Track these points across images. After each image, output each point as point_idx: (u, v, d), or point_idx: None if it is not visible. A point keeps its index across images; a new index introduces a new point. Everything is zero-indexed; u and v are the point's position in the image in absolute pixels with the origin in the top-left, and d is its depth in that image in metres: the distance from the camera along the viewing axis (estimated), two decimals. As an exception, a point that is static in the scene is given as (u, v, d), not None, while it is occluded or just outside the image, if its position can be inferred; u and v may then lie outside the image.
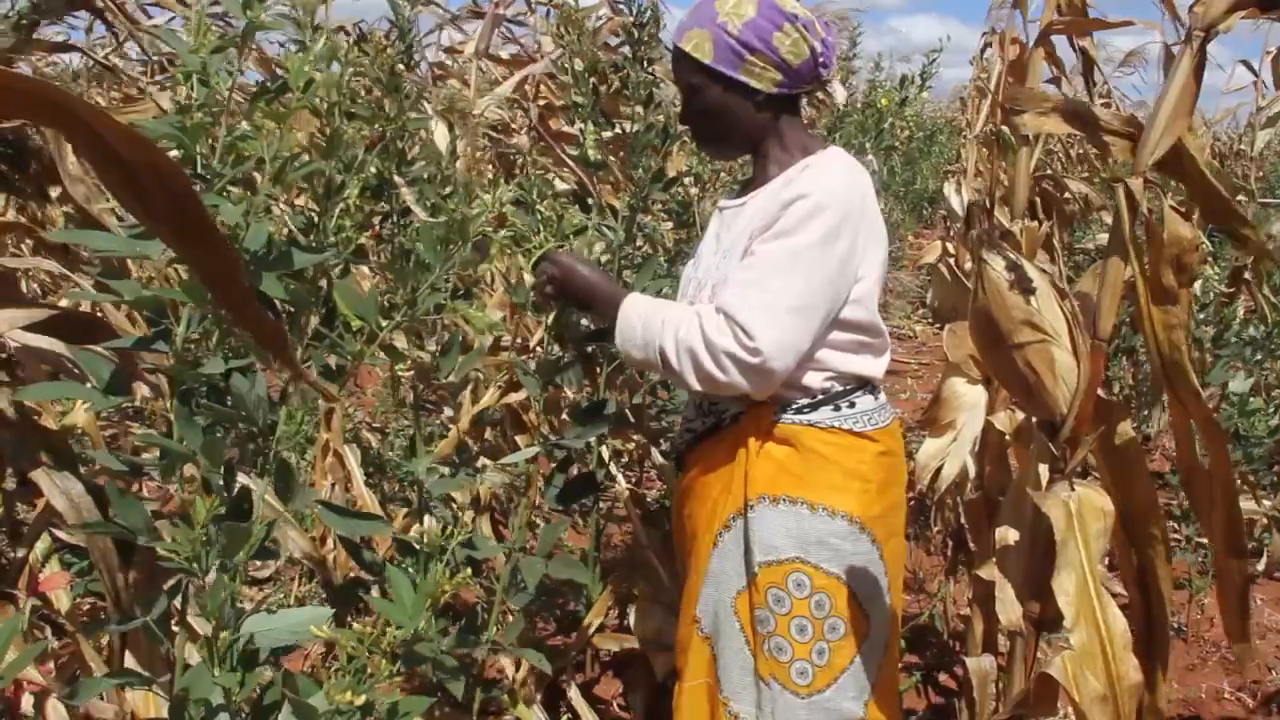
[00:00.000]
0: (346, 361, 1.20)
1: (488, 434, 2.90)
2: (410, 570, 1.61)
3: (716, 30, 1.91)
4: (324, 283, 1.23)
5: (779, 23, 1.91)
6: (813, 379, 1.96)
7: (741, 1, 1.92)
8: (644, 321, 1.95)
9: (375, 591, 2.52)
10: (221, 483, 1.02)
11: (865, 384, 2.01)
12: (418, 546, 1.56)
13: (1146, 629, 1.65)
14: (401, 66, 1.63)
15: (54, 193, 1.99)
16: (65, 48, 2.26)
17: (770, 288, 1.84)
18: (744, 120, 1.97)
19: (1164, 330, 1.48)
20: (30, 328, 1.45)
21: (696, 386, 1.89)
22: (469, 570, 1.22)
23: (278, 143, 1.02)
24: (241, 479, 1.10)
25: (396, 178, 1.69)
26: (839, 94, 5.41)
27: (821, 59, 1.96)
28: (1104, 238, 5.09)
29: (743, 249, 1.93)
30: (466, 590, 2.84)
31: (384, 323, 1.21)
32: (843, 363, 1.96)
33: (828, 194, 1.87)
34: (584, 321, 2.10)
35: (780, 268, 1.85)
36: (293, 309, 1.13)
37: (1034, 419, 1.74)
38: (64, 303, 2.90)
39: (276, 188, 1.08)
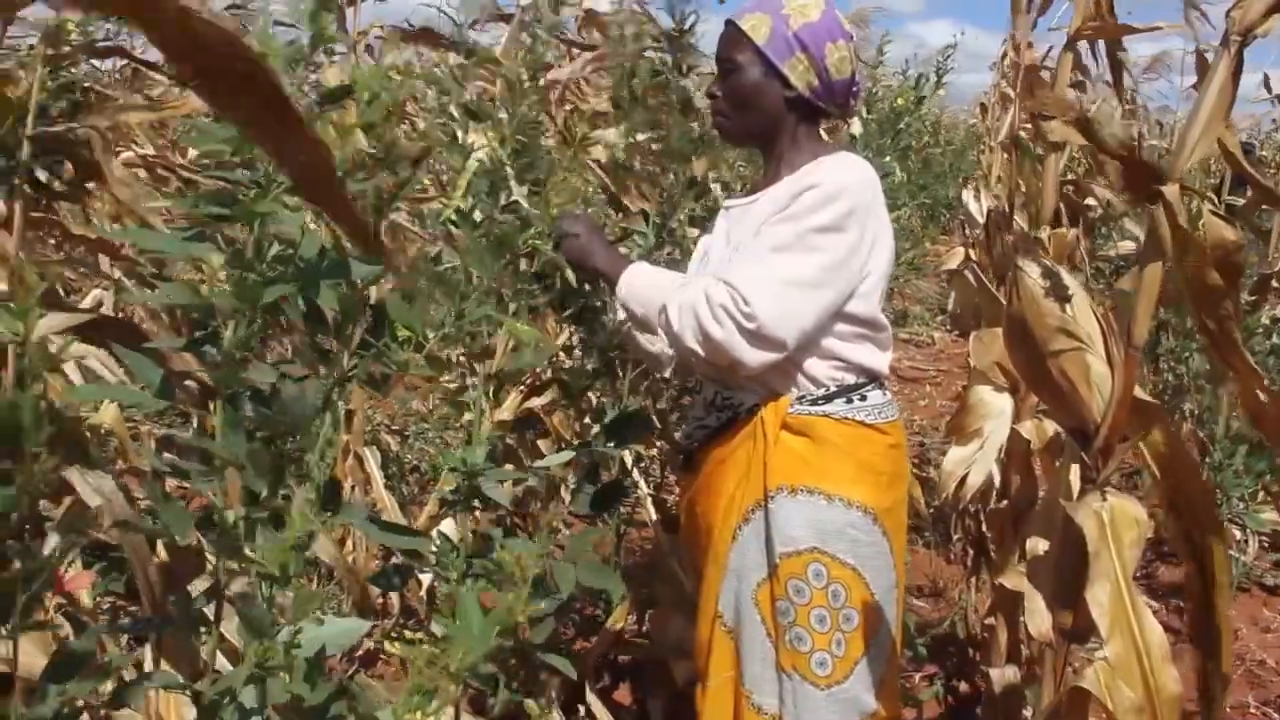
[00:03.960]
0: (392, 370, 1.20)
1: (509, 438, 2.90)
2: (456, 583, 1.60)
3: (778, 19, 1.99)
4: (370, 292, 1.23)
5: (835, 36, 2.00)
6: (821, 368, 1.99)
7: (808, 5, 2.00)
8: (651, 281, 2.00)
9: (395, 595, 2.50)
10: (266, 491, 1.01)
11: (874, 378, 2.05)
12: (493, 570, 1.54)
13: (1204, 614, 1.63)
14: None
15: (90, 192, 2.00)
16: (109, 52, 2.28)
17: (772, 261, 1.89)
18: (769, 110, 2.03)
19: (1215, 322, 1.46)
20: (63, 330, 1.45)
21: (694, 346, 1.90)
22: (541, 604, 1.21)
23: (338, 153, 1.02)
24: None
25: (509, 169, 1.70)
26: (855, 127, 5.50)
27: (855, 87, 2.06)
28: (1127, 245, 5.06)
29: (754, 235, 1.98)
30: (486, 594, 2.83)
31: (430, 334, 1.21)
32: (849, 352, 2.00)
33: (839, 185, 1.92)
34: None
35: (783, 245, 1.90)
36: (340, 318, 1.13)
37: (1064, 427, 1.72)
38: (86, 303, 2.91)
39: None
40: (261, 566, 0.97)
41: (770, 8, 2.01)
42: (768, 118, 2.04)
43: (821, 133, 2.14)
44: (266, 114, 0.57)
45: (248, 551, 0.98)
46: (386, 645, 0.99)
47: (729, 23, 2.06)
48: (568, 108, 3.00)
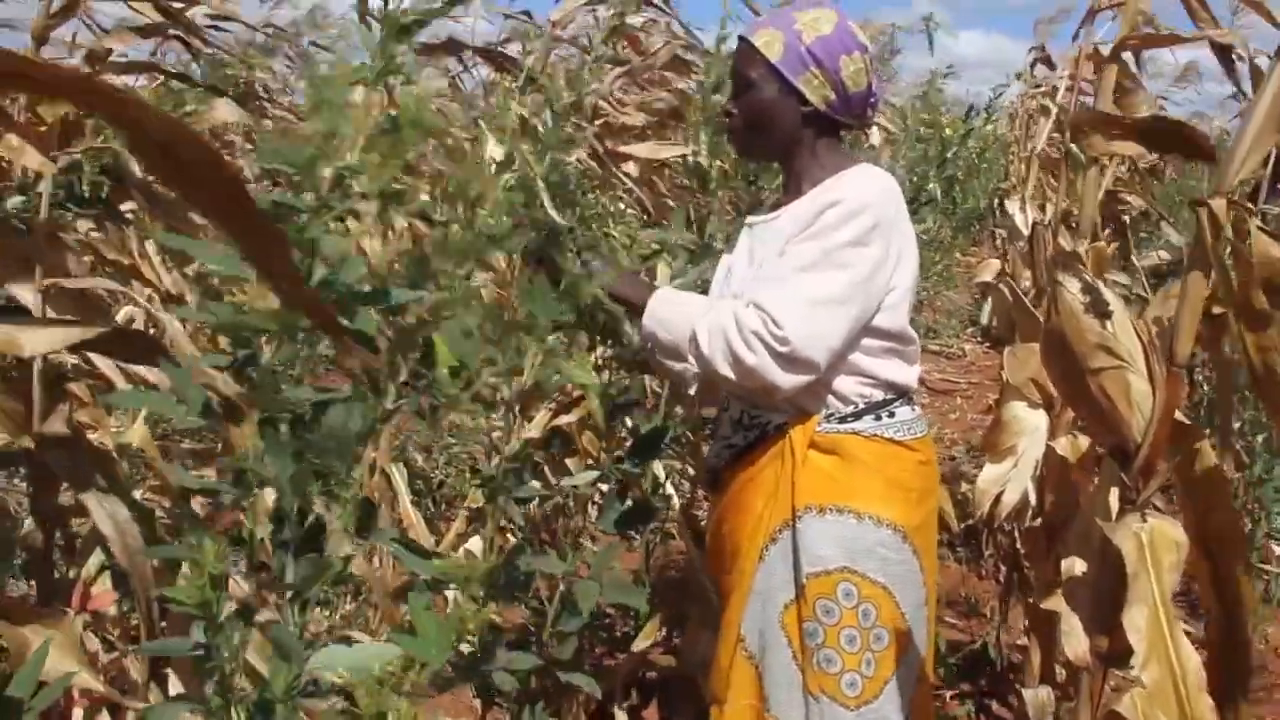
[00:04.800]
0: (440, 403, 1.19)
1: (537, 455, 2.88)
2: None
3: (790, 35, 1.97)
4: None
5: (850, 48, 1.98)
6: (849, 385, 1.97)
7: (820, 19, 1.98)
8: (676, 307, 1.98)
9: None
10: (296, 511, 1.00)
11: (902, 394, 2.03)
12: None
13: (1227, 657, 1.59)
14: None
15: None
16: (140, 67, 2.31)
17: (799, 281, 1.87)
18: (786, 126, 2.01)
19: (1257, 352, 1.42)
20: (84, 345, 1.45)
21: (726, 372, 1.88)
22: (491, 605, 1.20)
23: (384, 178, 1.01)
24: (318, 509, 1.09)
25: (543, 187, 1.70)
26: (874, 138, 5.49)
27: (872, 99, 2.04)
28: (1165, 254, 5.01)
29: (778, 254, 1.96)
30: (512, 612, 2.81)
31: (482, 371, 1.20)
32: (877, 368, 1.98)
33: (861, 200, 1.90)
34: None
35: (810, 265, 1.88)
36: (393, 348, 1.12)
37: (1103, 446, 1.69)
38: (120, 319, 2.92)
39: (379, 221, 1.07)
40: (293, 588, 0.96)
41: (782, 23, 1.99)
42: (785, 134, 2.02)
43: (844, 144, 2.12)
44: (230, 206, 0.56)
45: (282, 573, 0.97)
46: (325, 675, 0.96)
47: (741, 39, 2.04)
48: (599, 122, 2.99)
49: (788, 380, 1.87)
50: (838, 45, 1.96)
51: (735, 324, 1.86)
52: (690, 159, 2.42)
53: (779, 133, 2.02)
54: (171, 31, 2.18)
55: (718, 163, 2.37)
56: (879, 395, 1.99)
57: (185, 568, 1.01)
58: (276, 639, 1.00)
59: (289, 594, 0.98)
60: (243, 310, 0.97)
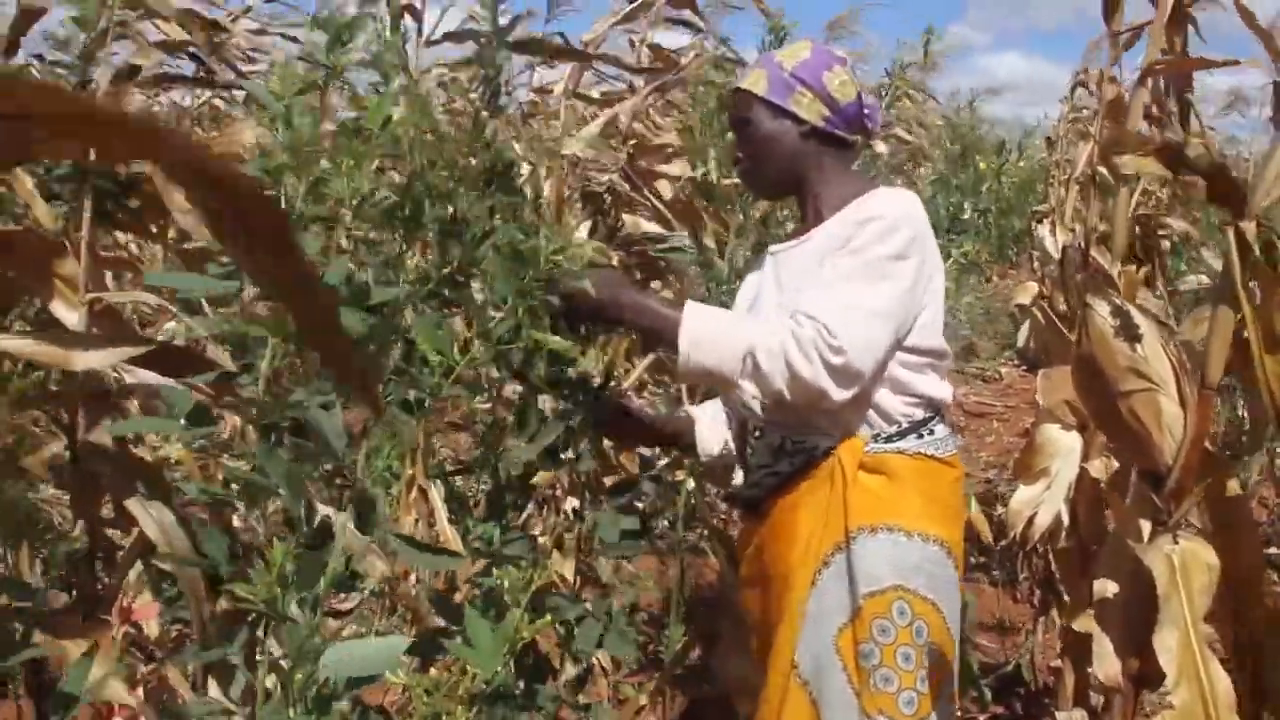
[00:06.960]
0: (425, 395, 1.20)
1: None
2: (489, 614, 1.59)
3: (772, 68, 2.06)
4: (402, 319, 1.25)
5: (829, 64, 2.07)
6: (894, 404, 1.98)
7: (798, 48, 2.10)
8: (720, 326, 1.92)
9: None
10: (303, 515, 1.02)
11: (939, 410, 2.04)
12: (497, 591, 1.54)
13: (1251, 698, 1.58)
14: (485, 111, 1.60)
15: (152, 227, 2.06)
16: (172, 79, 2.35)
17: (847, 292, 1.88)
18: (789, 149, 2.05)
19: (1275, 380, 1.42)
20: (132, 361, 1.49)
21: (780, 387, 1.85)
22: (549, 617, 1.21)
23: (356, 181, 1.04)
24: (323, 510, 1.10)
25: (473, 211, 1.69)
26: (880, 147, 5.49)
27: (868, 110, 2.09)
28: (1204, 279, 4.96)
29: (817, 266, 1.97)
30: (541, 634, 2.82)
31: (460, 357, 1.21)
32: (918, 384, 1.99)
33: (898, 215, 1.94)
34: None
35: (857, 276, 1.90)
36: (372, 345, 1.14)
37: (1135, 469, 1.69)
38: (161, 336, 2.97)
39: (356, 224, 1.10)
40: (251, 599, 0.97)
41: (764, 62, 2.10)
42: (790, 157, 2.06)
43: (856, 164, 2.16)
44: (270, 252, 0.56)
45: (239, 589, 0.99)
46: (389, 675, 0.97)
47: (732, 90, 2.13)
48: (632, 142, 3.00)
49: (839, 392, 1.84)
50: (818, 64, 2.05)
51: (793, 339, 1.84)
52: (699, 176, 2.45)
53: (784, 158, 2.06)
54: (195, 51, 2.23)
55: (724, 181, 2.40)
56: (920, 413, 2.00)
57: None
58: (291, 637, 1.02)
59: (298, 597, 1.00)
60: (230, 321, 1.00)
